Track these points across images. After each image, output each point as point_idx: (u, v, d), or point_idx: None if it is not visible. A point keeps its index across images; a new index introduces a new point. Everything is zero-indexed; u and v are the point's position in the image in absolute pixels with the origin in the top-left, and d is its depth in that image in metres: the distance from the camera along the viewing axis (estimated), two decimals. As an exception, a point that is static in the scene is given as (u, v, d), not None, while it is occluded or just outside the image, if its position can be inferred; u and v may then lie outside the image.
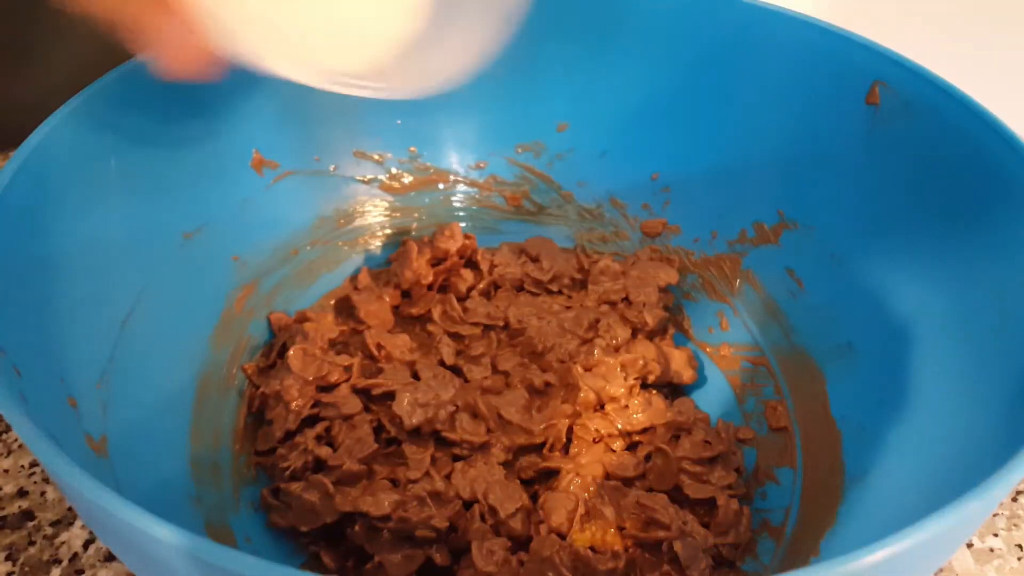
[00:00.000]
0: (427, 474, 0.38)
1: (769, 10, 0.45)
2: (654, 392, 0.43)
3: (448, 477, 0.39)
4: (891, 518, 0.31)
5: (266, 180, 0.48)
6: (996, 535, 0.41)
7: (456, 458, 0.40)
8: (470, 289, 0.50)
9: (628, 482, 0.39)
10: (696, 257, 0.51)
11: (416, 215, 0.54)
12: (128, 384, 0.36)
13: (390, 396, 0.41)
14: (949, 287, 0.37)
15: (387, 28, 0.35)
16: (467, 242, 0.51)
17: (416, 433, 0.40)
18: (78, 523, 0.40)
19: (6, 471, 0.42)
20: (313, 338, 0.45)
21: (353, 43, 0.35)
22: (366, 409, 0.42)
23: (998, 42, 0.64)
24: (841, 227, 0.44)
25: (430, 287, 0.49)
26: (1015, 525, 0.42)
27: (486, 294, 0.50)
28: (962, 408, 0.34)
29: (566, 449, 0.41)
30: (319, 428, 0.41)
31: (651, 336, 0.47)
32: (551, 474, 0.40)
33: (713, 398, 0.45)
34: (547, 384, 0.43)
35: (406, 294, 0.50)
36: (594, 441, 0.41)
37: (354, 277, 0.51)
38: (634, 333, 0.46)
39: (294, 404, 0.41)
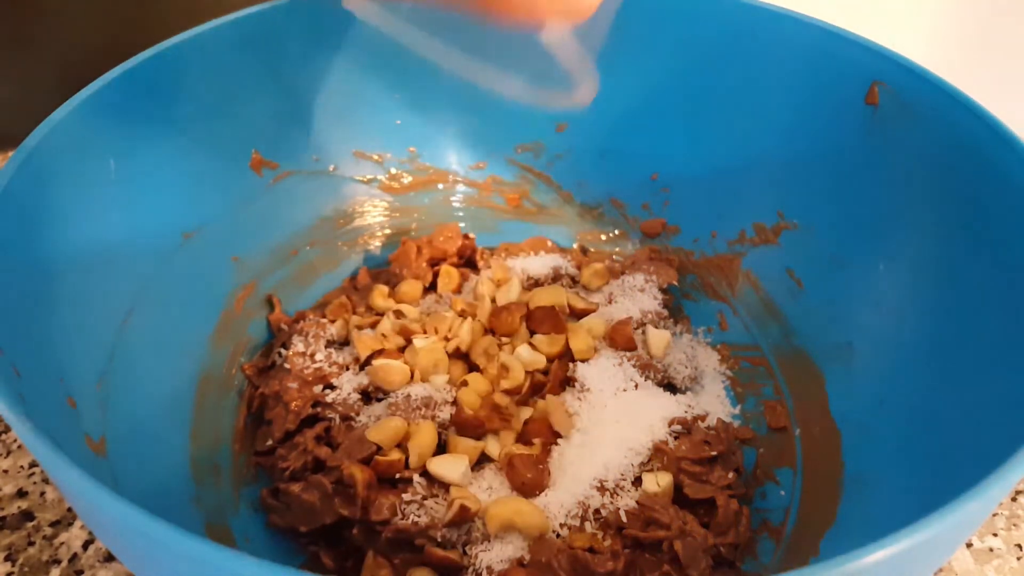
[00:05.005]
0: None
1: (769, 10, 0.45)
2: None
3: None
4: (891, 518, 0.31)
5: (265, 180, 0.48)
6: (996, 535, 0.41)
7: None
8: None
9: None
10: (696, 257, 0.51)
11: (415, 215, 0.54)
12: (128, 384, 0.36)
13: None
14: (949, 287, 0.37)
15: None
16: (466, 242, 0.51)
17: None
18: (77, 523, 0.40)
19: (5, 471, 0.42)
20: (312, 338, 0.45)
21: None
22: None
23: (998, 42, 0.64)
24: (841, 227, 0.43)
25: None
26: (1014, 525, 0.42)
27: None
28: (961, 407, 0.34)
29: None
30: (318, 428, 0.41)
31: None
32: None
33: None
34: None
35: (406, 294, 0.50)
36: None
37: (354, 277, 0.51)
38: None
39: (293, 404, 0.41)
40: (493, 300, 0.47)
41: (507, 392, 0.42)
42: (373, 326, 0.46)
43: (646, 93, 0.50)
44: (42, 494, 0.41)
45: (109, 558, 0.38)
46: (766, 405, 0.44)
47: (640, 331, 0.46)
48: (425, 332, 0.44)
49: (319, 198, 0.51)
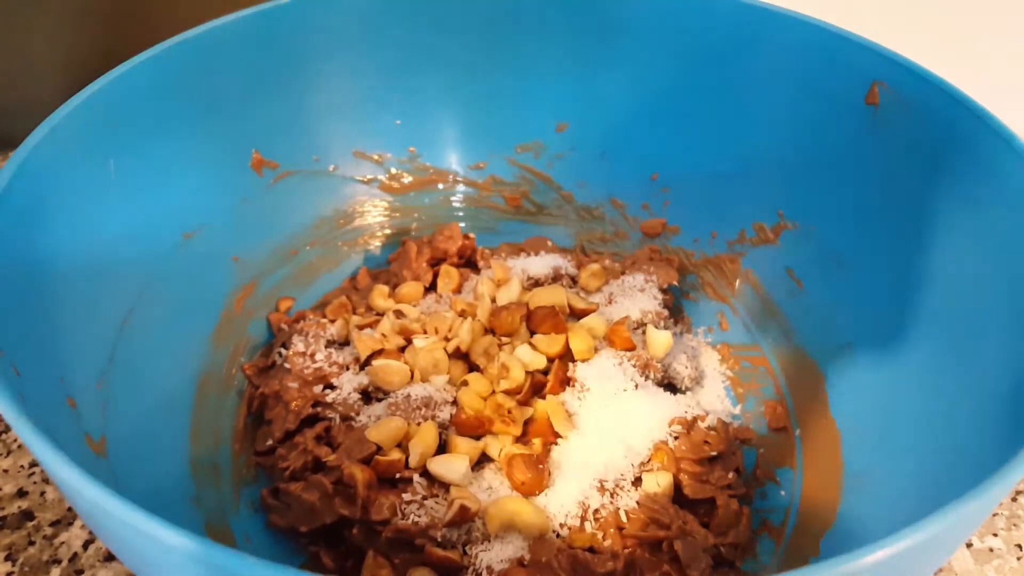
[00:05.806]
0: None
1: (769, 10, 0.45)
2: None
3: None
4: (891, 518, 0.31)
5: (266, 180, 0.48)
6: (996, 535, 0.41)
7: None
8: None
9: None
10: (696, 257, 0.51)
11: (416, 215, 0.54)
12: (128, 384, 0.36)
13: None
14: (948, 286, 0.37)
15: None
16: (466, 242, 0.51)
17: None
18: (78, 523, 0.40)
19: (6, 471, 0.42)
20: (312, 338, 0.45)
21: None
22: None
23: (997, 42, 0.64)
24: (841, 227, 0.44)
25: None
26: (1015, 525, 0.42)
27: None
28: (962, 408, 0.34)
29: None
30: (318, 428, 0.41)
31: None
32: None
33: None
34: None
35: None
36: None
37: (354, 277, 0.51)
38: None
39: (293, 404, 0.41)
40: (493, 300, 0.47)
41: (507, 392, 0.42)
42: (373, 326, 0.46)
43: (646, 93, 0.50)
44: (42, 494, 0.41)
45: (109, 558, 0.38)
46: (766, 405, 0.44)
47: (640, 331, 0.46)
48: (425, 332, 0.44)
49: (319, 198, 0.51)
